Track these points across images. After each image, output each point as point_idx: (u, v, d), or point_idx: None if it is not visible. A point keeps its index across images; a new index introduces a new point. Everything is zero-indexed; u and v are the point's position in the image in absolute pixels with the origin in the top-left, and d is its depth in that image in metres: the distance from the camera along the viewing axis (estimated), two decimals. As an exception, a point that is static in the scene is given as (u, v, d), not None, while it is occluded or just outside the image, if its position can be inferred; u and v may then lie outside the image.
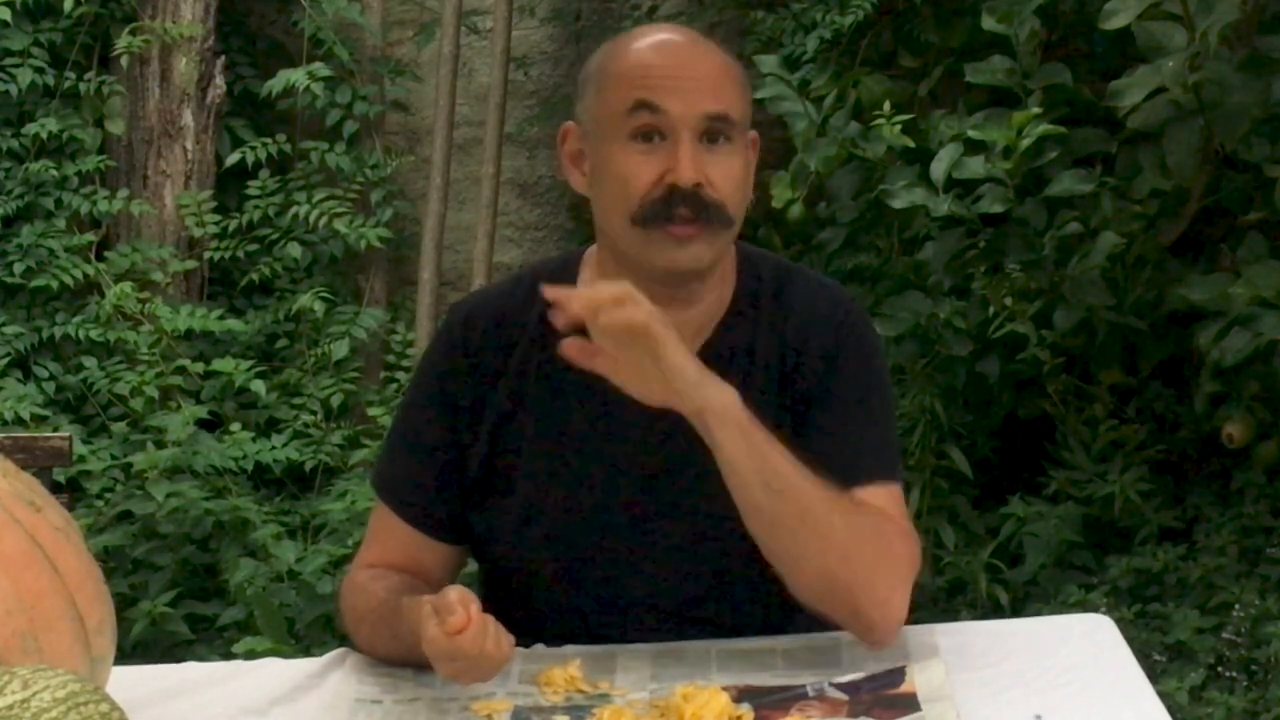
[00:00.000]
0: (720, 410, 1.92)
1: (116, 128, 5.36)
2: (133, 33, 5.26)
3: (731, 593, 2.09)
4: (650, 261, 2.02)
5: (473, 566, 2.27)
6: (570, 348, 1.92)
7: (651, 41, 2.06)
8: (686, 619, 2.08)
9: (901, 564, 2.00)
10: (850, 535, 1.95)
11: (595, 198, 2.07)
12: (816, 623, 2.12)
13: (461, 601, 1.82)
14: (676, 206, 1.99)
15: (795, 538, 1.94)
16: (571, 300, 1.90)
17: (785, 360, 2.08)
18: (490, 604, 2.17)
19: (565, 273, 2.15)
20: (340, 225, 5.27)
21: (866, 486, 2.02)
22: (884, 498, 2.04)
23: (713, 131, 2.01)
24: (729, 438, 1.92)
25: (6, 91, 5.20)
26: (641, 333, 1.88)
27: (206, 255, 5.34)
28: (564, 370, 2.09)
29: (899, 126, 4.44)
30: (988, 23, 4.42)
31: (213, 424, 5.02)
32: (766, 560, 2.08)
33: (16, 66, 5.21)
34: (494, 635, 1.83)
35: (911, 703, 1.86)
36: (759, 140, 2.12)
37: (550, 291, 1.91)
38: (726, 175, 2.01)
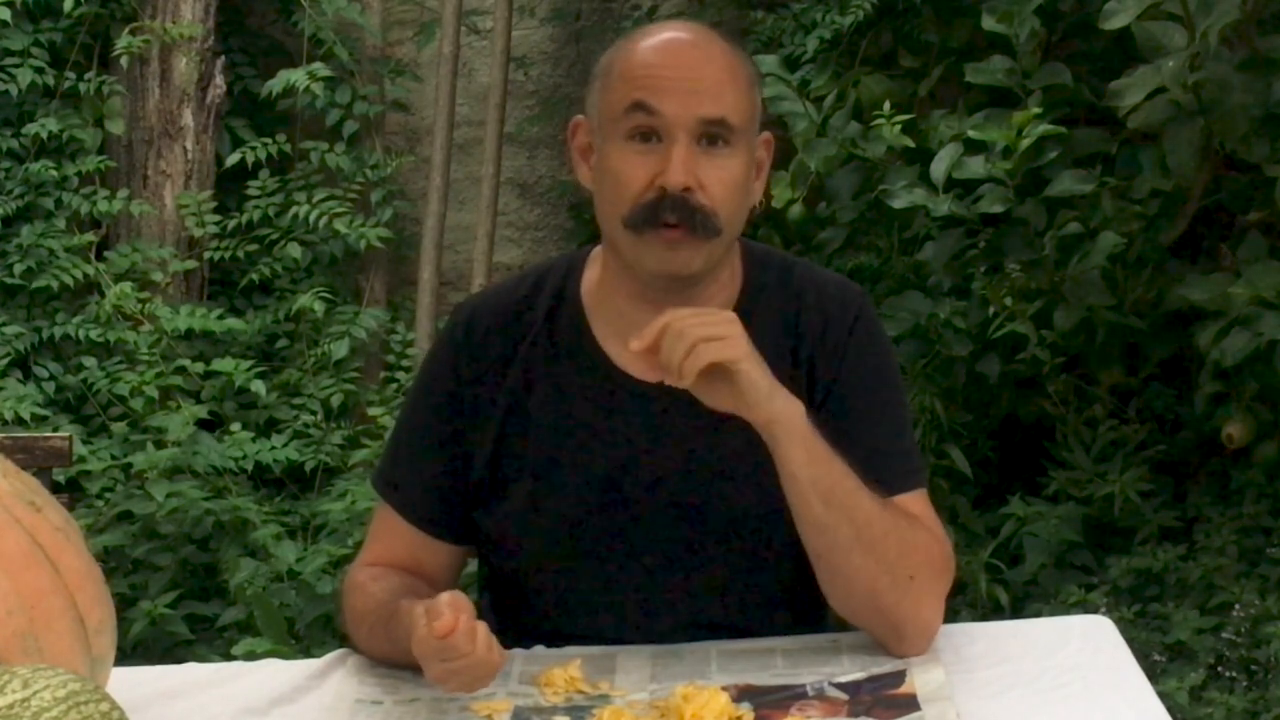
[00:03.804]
0: (786, 422, 1.91)
1: (116, 128, 5.36)
2: (133, 33, 5.25)
3: (736, 594, 2.08)
4: (642, 264, 2.01)
5: (473, 567, 2.26)
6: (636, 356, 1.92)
7: (657, 40, 2.03)
8: (689, 620, 2.08)
9: (942, 579, 2.01)
10: (900, 554, 1.96)
11: (596, 196, 2.06)
12: (821, 627, 2.12)
13: (452, 606, 1.81)
14: (664, 211, 1.97)
15: (849, 555, 1.94)
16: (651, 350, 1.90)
17: (798, 355, 2.07)
18: (493, 604, 2.18)
19: (570, 272, 2.14)
20: (340, 225, 5.26)
21: (903, 495, 2.03)
22: (920, 504, 2.05)
23: (710, 135, 1.98)
24: (793, 451, 1.92)
25: (6, 91, 5.19)
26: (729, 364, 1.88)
27: (206, 255, 5.33)
28: (569, 369, 2.09)
29: (899, 126, 4.43)
30: (988, 23, 4.42)
31: (213, 424, 5.02)
32: (771, 563, 2.08)
33: (16, 66, 5.20)
34: (485, 639, 1.83)
35: (911, 703, 1.86)
36: (772, 141, 2.09)
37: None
38: (722, 180, 1.98)
